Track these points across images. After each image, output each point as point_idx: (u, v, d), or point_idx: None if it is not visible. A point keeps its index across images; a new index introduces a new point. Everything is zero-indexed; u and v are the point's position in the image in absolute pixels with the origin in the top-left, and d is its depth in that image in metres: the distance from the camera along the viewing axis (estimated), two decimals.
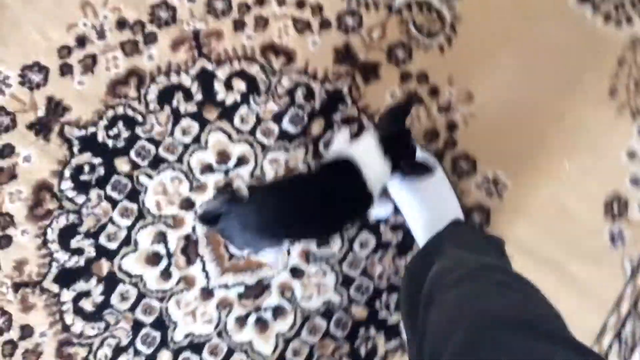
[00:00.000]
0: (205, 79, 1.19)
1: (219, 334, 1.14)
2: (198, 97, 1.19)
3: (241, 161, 1.18)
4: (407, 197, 1.10)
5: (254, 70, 1.20)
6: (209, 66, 1.20)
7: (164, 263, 1.15)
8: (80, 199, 1.15)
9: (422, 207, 1.09)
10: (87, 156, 1.17)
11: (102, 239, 1.15)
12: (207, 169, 1.17)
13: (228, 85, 1.19)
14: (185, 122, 1.18)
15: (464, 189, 1.18)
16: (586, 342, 0.74)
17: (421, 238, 1.08)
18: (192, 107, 1.19)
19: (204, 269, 1.15)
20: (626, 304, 1.17)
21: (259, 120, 1.19)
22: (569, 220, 1.17)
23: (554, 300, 0.68)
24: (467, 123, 1.20)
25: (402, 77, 1.21)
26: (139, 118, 1.18)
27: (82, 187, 1.16)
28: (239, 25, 1.21)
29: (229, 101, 1.19)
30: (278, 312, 1.15)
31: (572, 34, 1.23)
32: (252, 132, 1.19)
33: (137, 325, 1.14)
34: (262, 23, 1.21)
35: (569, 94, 1.21)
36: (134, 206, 1.16)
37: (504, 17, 1.22)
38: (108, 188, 1.16)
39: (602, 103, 1.21)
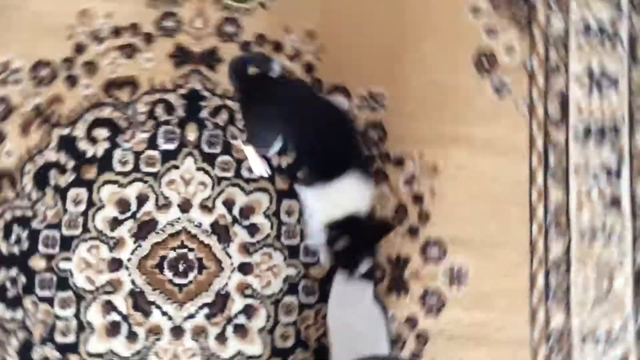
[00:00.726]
0: (68, 144, 1.18)
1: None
2: (70, 164, 1.18)
3: (142, 200, 1.18)
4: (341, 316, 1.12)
5: (106, 113, 1.19)
6: (64, 131, 1.18)
7: (124, 328, 1.15)
8: (19, 314, 1.14)
9: (350, 331, 1.11)
10: (2, 273, 1.15)
11: (58, 338, 1.15)
12: (115, 222, 1.17)
13: (91, 139, 1.19)
14: (72, 192, 1.17)
15: None
16: None
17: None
18: (70, 176, 1.18)
19: (162, 313, 1.15)
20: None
21: (137, 155, 1.18)
22: (452, 94, 1.23)
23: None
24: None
25: (242, 48, 1.22)
26: (29, 213, 1.16)
27: (14, 303, 1.15)
28: (71, 81, 1.19)
29: (100, 152, 1.19)
30: (249, 312, 1.17)
31: None
32: (137, 168, 1.19)
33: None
34: (91, 68, 1.20)
35: None
36: (69, 293, 1.15)
37: None
38: (37, 290, 1.15)
39: None
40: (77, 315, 1.15)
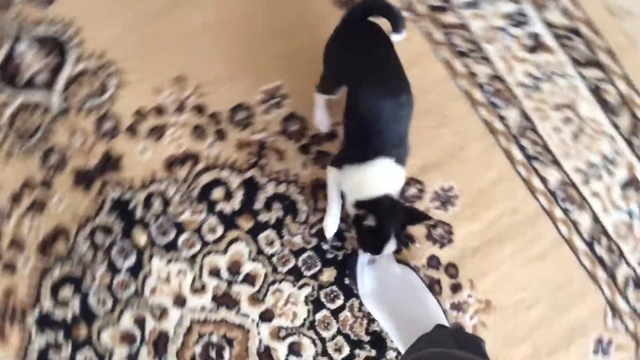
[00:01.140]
0: (249, 187, 1.25)
1: None
2: (237, 200, 1.25)
3: (248, 279, 1.23)
4: (384, 300, 1.17)
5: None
6: (257, 177, 1.26)
7: (135, 347, 1.19)
8: (89, 255, 1.21)
9: (397, 311, 1.15)
10: (111, 218, 1.23)
11: (91, 300, 1.20)
12: (215, 273, 1.23)
13: (267, 204, 1.25)
14: (213, 220, 1.24)
15: None
16: None
17: (400, 341, 1.15)
18: (229, 208, 1.25)
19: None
20: None
21: (295, 255, 1.24)
22: None
23: None
24: None
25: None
26: (176, 199, 1.24)
27: (94, 246, 1.22)
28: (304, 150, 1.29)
29: (265, 218, 1.25)
30: (295, 349, 1.21)
31: None
32: (271, 256, 1.24)
33: None
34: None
35: None
36: (132, 282, 1.22)
37: None
38: (114, 252, 1.22)
39: None
40: (115, 302, 1.21)
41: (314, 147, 1.26)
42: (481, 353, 1.01)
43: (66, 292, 1.21)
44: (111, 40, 1.29)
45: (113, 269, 1.21)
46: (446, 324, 1.15)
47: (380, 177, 1.03)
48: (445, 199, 1.25)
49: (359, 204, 1.04)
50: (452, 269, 1.23)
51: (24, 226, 1.23)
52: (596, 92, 1.33)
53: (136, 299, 1.20)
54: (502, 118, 1.30)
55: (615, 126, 1.32)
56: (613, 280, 1.25)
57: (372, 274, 1.18)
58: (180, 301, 1.20)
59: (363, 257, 1.17)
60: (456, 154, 1.27)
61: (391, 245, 1.03)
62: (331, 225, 1.17)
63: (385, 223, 1.01)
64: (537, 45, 1.35)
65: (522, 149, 1.29)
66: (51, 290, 1.21)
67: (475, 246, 1.23)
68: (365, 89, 1.02)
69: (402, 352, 1.12)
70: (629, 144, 1.31)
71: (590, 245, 1.26)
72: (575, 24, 1.36)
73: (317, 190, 1.25)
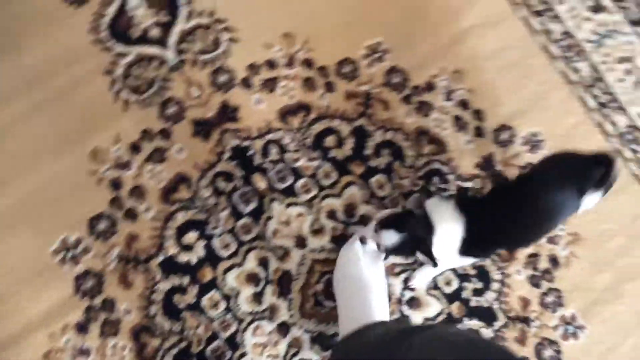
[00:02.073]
0: (359, 135, 1.34)
1: None
2: (349, 147, 1.33)
3: (363, 221, 1.29)
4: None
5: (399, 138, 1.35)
6: (365, 125, 1.35)
7: (260, 286, 1.27)
8: (212, 201, 1.27)
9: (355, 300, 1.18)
10: (231, 165, 1.30)
11: (216, 243, 1.27)
12: (333, 215, 1.30)
13: (376, 151, 1.33)
14: (327, 166, 1.32)
15: None
16: None
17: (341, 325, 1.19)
18: (341, 155, 1.33)
19: (290, 306, 1.27)
20: None
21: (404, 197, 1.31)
22: None
23: None
24: None
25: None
26: (291, 147, 1.32)
27: (217, 192, 1.29)
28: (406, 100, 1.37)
29: (375, 163, 1.33)
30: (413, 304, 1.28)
31: None
32: (383, 198, 1.31)
33: (212, 338, 1.25)
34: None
35: None
36: (254, 225, 1.29)
37: None
38: (235, 197, 1.29)
39: None
40: (241, 244, 1.28)
41: (415, 97, 1.37)
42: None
43: (190, 236, 1.27)
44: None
45: (236, 214, 1.28)
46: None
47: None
48: (534, 143, 1.38)
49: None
50: None
51: (145, 175, 1.27)
52: None
53: (259, 242, 1.27)
54: (575, 70, 1.44)
55: None
56: None
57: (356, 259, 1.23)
58: (301, 242, 1.28)
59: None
60: (539, 103, 1.40)
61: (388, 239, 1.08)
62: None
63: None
64: (598, 7, 1.50)
65: (594, 97, 1.43)
66: (175, 236, 1.26)
67: None
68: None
69: (342, 333, 1.16)
70: None
71: None
72: None
73: (421, 136, 1.35)
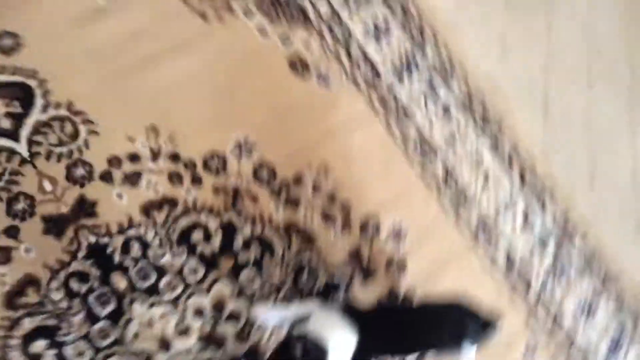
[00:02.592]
0: (229, 227, 1.31)
1: None
2: (217, 242, 1.30)
3: (232, 317, 1.26)
4: None
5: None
6: (234, 219, 1.33)
7: None
8: (64, 304, 1.17)
9: None
10: (87, 265, 1.20)
11: (68, 352, 1.15)
12: (200, 314, 1.24)
13: (246, 245, 1.32)
14: (194, 262, 1.27)
15: None
16: None
17: None
18: (209, 250, 1.29)
19: None
20: None
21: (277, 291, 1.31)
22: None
23: None
24: None
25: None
26: (155, 243, 1.25)
27: (69, 294, 1.18)
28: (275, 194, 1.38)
29: (244, 258, 1.31)
30: None
31: None
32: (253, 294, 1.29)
33: None
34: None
35: None
36: (112, 329, 1.19)
37: None
38: (91, 299, 1.19)
39: None
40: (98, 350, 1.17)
41: (284, 191, 1.39)
42: None
43: (38, 345, 1.13)
44: (80, 91, 1.30)
45: (91, 317, 1.17)
46: None
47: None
48: (397, 234, 1.46)
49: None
50: None
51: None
52: None
53: (118, 347, 1.17)
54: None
55: None
56: None
57: None
58: (165, 345, 1.20)
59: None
60: (402, 197, 1.51)
61: None
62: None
63: None
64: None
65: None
66: (21, 345, 1.12)
67: None
68: None
69: None
70: None
71: None
72: None
73: (290, 229, 1.36)
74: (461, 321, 1.15)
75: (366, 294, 1.36)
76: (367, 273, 1.39)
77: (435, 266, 1.45)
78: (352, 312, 1.14)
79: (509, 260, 1.55)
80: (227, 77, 1.43)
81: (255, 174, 1.38)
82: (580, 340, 1.56)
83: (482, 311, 1.18)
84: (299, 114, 1.47)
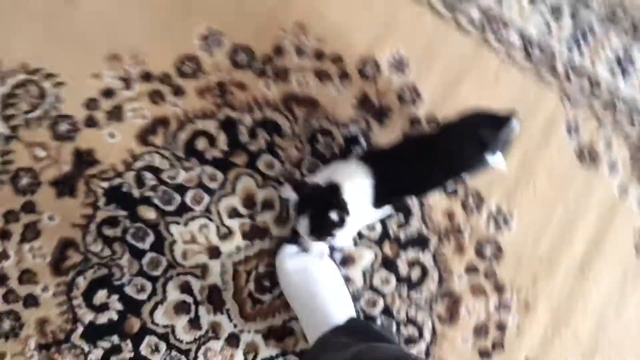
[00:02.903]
0: (228, 126, 1.27)
1: None
2: (222, 142, 1.27)
3: (266, 205, 1.25)
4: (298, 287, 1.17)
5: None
6: (231, 114, 1.28)
7: (192, 311, 1.21)
8: (106, 252, 1.19)
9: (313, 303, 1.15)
10: (111, 209, 1.21)
11: (129, 291, 1.19)
12: (235, 213, 1.24)
13: (252, 134, 1.28)
14: (209, 169, 1.25)
15: None
16: None
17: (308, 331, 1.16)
18: (218, 153, 1.26)
19: (229, 317, 1.21)
20: None
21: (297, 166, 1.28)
22: None
23: None
24: None
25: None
26: (166, 166, 1.24)
27: (107, 242, 1.20)
28: (261, 73, 1.31)
29: (255, 147, 1.27)
30: None
31: None
32: (276, 179, 1.27)
33: None
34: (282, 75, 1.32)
35: None
36: (160, 256, 1.21)
37: None
38: (129, 238, 1.21)
39: None
40: (155, 279, 1.20)
41: (269, 66, 1.31)
42: (392, 336, 1.14)
43: (100, 296, 1.17)
44: (27, 50, 1.24)
45: (136, 254, 1.19)
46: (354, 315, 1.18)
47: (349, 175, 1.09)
48: (399, 65, 1.36)
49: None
50: None
51: (27, 256, 1.16)
52: None
53: (173, 270, 1.20)
54: None
55: None
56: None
57: (295, 262, 1.20)
58: (215, 252, 1.22)
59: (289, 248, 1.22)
60: (390, 24, 1.38)
61: (302, 226, 1.08)
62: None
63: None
64: None
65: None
66: (85, 302, 1.17)
67: None
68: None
69: (310, 342, 1.15)
70: None
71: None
72: None
73: (289, 102, 1.30)
74: (476, 134, 1.08)
75: (388, 136, 1.31)
76: (382, 114, 1.32)
77: (449, 80, 1.36)
78: (370, 157, 1.13)
79: (526, 47, 1.43)
80: None
81: (233, 61, 1.30)
82: (623, 94, 1.46)
83: (496, 115, 1.11)
84: None
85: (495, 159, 1.09)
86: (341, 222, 1.04)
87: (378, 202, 1.10)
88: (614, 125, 1.43)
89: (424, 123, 1.34)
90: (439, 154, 1.09)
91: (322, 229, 1.07)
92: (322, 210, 1.04)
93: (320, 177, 1.13)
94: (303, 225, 1.07)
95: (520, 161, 1.34)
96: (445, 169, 1.11)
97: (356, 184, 1.07)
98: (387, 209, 1.21)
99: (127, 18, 1.28)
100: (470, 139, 1.08)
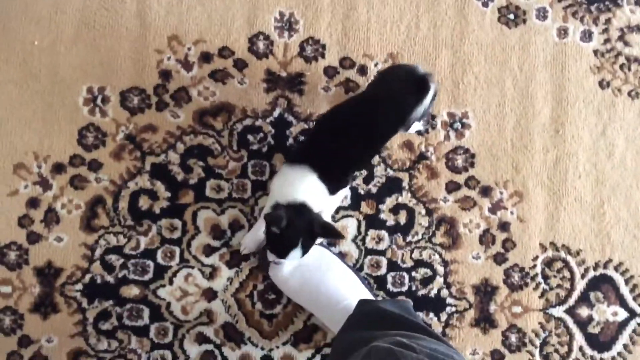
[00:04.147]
0: (162, 172, 1.23)
1: None
2: (165, 192, 1.23)
3: (234, 227, 1.23)
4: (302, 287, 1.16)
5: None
6: (158, 159, 1.24)
7: (218, 356, 1.21)
8: (114, 344, 1.20)
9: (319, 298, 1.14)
10: (97, 304, 1.20)
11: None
12: (209, 249, 1.22)
13: (186, 168, 1.23)
14: (165, 221, 1.22)
15: None
16: None
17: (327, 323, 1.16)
18: (165, 203, 1.22)
19: (253, 344, 1.21)
20: None
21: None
22: None
23: None
24: None
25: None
26: (124, 240, 1.22)
27: (109, 334, 1.20)
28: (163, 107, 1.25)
29: (194, 180, 1.23)
30: None
31: None
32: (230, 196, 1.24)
33: None
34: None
35: None
36: (164, 323, 1.21)
37: None
38: (126, 321, 1.20)
39: None
40: (171, 345, 1.21)
41: (165, 96, 1.23)
42: (412, 314, 1.08)
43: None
44: None
45: (141, 331, 1.19)
46: (369, 295, 1.16)
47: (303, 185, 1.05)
48: (287, 24, 1.27)
49: (276, 207, 1.04)
50: None
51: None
52: None
53: (181, 329, 1.20)
54: None
55: None
56: None
57: (286, 265, 1.17)
58: (210, 295, 1.20)
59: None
60: None
61: (296, 253, 1.04)
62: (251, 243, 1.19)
63: (294, 230, 1.02)
64: None
65: None
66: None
67: None
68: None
69: (335, 331, 1.12)
70: None
71: None
72: None
73: (203, 118, 1.23)
74: (396, 102, 1.05)
75: (315, 101, 1.25)
76: (295, 83, 1.24)
77: (343, 12, 1.26)
78: (303, 152, 1.11)
79: None
80: None
81: (128, 108, 1.22)
82: None
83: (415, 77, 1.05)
84: None
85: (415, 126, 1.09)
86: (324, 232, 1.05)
87: (334, 188, 1.08)
88: None
89: (340, 69, 1.26)
90: (372, 114, 1.05)
91: (309, 248, 1.06)
92: (310, 233, 1.03)
93: (269, 204, 1.09)
94: (284, 261, 1.07)
95: (448, 57, 1.26)
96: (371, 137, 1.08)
97: (309, 190, 1.04)
98: (346, 190, 1.17)
99: (11, 124, 1.22)
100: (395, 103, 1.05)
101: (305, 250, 1.05)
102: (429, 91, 1.03)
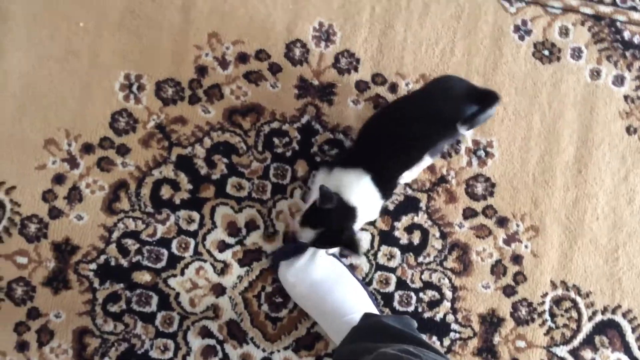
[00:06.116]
0: (186, 164, 1.25)
1: None
2: (187, 184, 1.25)
3: (250, 227, 1.24)
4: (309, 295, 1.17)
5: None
6: (184, 151, 1.26)
7: (219, 352, 1.22)
8: (119, 327, 1.22)
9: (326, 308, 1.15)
10: (108, 285, 1.23)
11: (156, 354, 1.22)
12: (223, 245, 1.24)
13: (210, 163, 1.25)
14: (184, 212, 1.25)
15: None
16: None
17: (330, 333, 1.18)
18: (185, 194, 1.25)
19: (255, 345, 1.22)
20: None
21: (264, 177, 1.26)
22: None
23: None
24: None
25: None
26: (142, 226, 1.24)
27: (116, 316, 1.22)
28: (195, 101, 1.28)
29: (217, 175, 1.25)
30: None
31: None
32: (243, 199, 1.25)
33: None
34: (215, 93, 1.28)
35: None
36: (171, 313, 1.23)
37: None
38: (135, 306, 1.23)
39: None
40: (174, 334, 1.22)
41: (199, 90, 1.26)
42: (415, 331, 1.07)
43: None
44: None
45: (148, 318, 1.21)
46: (375, 311, 1.17)
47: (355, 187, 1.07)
48: (325, 35, 1.29)
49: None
50: None
51: (50, 358, 1.20)
52: None
53: (187, 321, 1.21)
54: None
55: None
56: None
57: (295, 272, 1.19)
58: (219, 290, 1.22)
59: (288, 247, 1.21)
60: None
61: (310, 234, 1.06)
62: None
63: (331, 216, 1.04)
64: None
65: None
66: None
67: None
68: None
69: (337, 342, 1.13)
70: None
71: None
72: None
73: (232, 117, 1.25)
74: (451, 104, 1.05)
75: (342, 112, 1.27)
76: (326, 93, 1.27)
77: (380, 29, 1.28)
78: (354, 156, 1.13)
79: None
80: None
81: (162, 99, 1.25)
82: None
83: (480, 91, 1.08)
84: None
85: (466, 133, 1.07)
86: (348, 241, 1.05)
87: (386, 190, 1.11)
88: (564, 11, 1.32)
89: (371, 84, 1.27)
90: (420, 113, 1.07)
91: (329, 245, 1.09)
92: (335, 231, 1.04)
93: (314, 195, 1.12)
94: (307, 236, 1.07)
95: (479, 85, 1.26)
96: (414, 146, 1.09)
97: (363, 193, 1.07)
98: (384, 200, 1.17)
99: (47, 99, 1.25)
100: (450, 106, 1.05)
101: (317, 242, 1.06)
102: (498, 101, 1.03)
